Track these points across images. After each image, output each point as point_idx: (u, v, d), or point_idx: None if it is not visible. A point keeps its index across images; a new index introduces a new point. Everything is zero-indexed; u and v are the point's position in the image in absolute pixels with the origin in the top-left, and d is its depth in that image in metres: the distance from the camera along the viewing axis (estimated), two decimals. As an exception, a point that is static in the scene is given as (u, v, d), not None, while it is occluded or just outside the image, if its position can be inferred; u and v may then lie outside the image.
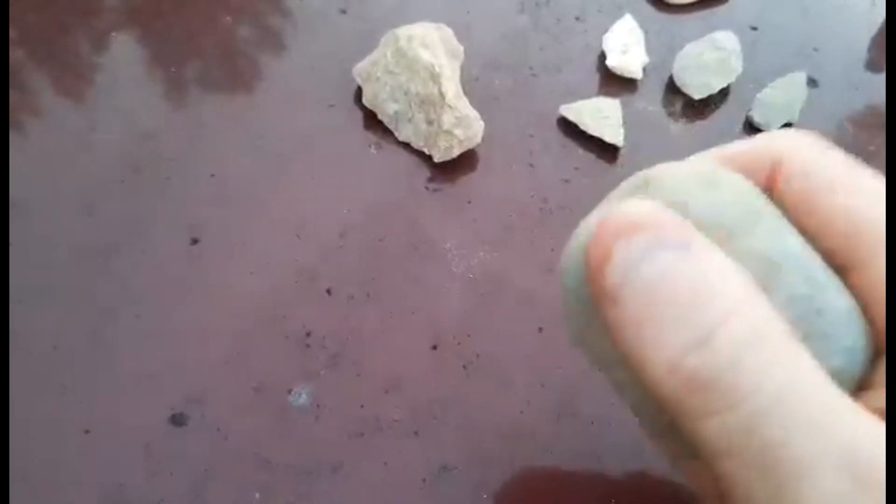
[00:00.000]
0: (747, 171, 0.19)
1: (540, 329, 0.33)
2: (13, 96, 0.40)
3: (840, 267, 0.17)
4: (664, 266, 0.15)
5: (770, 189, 0.19)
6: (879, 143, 0.42)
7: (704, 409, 0.14)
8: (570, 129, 0.40)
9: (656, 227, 0.15)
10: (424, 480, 0.30)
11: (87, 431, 0.30)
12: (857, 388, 0.17)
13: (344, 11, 0.45)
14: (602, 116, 0.40)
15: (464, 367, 0.32)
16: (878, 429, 0.14)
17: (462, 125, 0.37)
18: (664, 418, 0.17)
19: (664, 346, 0.14)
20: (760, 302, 0.15)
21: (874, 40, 0.47)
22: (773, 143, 0.19)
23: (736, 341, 0.14)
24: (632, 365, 0.15)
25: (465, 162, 0.38)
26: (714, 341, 0.14)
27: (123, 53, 0.42)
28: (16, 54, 0.41)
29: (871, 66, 0.46)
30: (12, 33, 0.42)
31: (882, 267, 0.16)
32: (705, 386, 0.14)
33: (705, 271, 0.15)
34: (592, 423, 0.31)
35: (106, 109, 0.40)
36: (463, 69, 0.41)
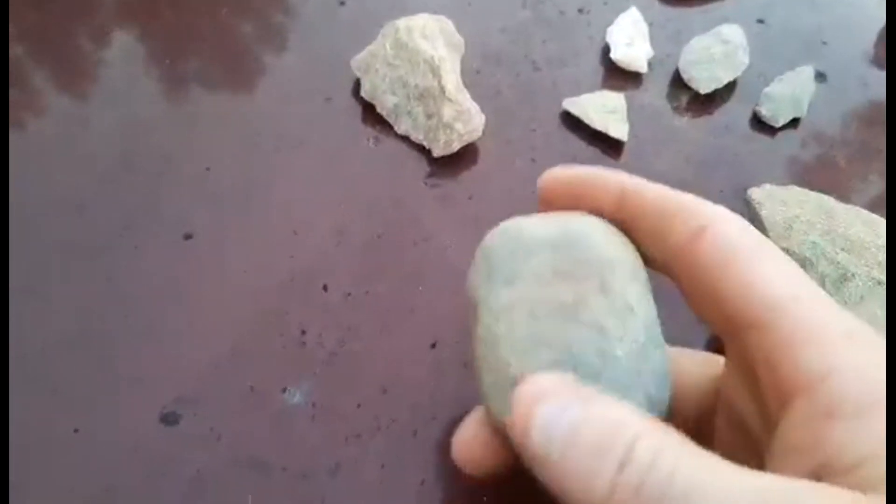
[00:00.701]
0: (595, 193, 0.23)
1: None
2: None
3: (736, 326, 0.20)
4: (579, 416, 0.18)
5: (621, 214, 0.23)
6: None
7: None
8: (573, 123, 0.39)
9: (563, 390, 0.19)
10: (423, 482, 0.29)
11: (75, 431, 0.29)
12: None
13: (343, 3, 0.44)
14: (606, 111, 0.39)
15: (464, 365, 0.31)
16: (765, 480, 0.17)
17: (462, 119, 0.36)
18: None
19: (600, 474, 0.17)
20: (645, 418, 0.18)
21: (881, 35, 0.46)
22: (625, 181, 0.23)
23: (650, 451, 0.17)
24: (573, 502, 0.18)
25: (466, 157, 0.37)
26: (634, 456, 0.17)
27: (118, 46, 0.41)
28: (14, 50, 0.41)
29: (878, 61, 0.45)
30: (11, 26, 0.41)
31: (783, 331, 0.19)
32: (637, 491, 0.17)
33: (606, 413, 0.18)
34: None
35: (99, 103, 0.39)
36: (464, 62, 0.40)
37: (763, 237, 0.21)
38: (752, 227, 0.21)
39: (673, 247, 0.21)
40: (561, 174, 0.24)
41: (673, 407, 0.22)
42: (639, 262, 0.22)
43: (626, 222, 0.23)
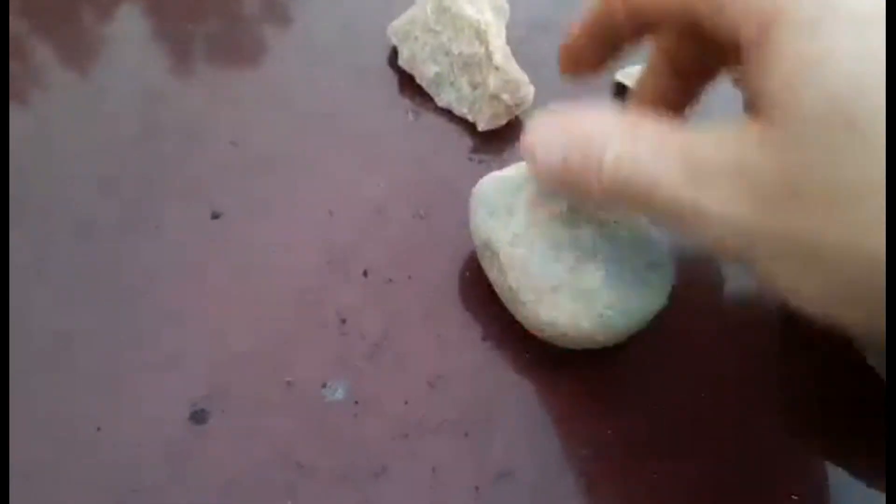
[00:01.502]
0: None
1: (601, 317, 0.30)
2: (15, 63, 0.36)
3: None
4: (562, 144, 0.23)
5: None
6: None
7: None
8: (626, 95, 0.36)
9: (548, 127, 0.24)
10: (477, 488, 0.26)
11: (98, 429, 0.27)
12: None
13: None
14: (663, 82, 0.36)
15: (526, 353, 0.29)
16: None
17: (510, 89, 0.34)
18: None
19: (590, 182, 0.23)
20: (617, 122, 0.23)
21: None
22: None
23: (614, 158, 0.22)
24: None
25: (513, 131, 0.35)
26: (603, 165, 0.22)
27: (134, 11, 0.38)
28: (21, 21, 0.38)
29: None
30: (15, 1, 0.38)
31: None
32: (619, 192, 0.22)
33: (582, 132, 0.23)
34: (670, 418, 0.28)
35: (117, 72, 0.36)
36: (508, 29, 0.37)
37: None
38: None
39: None
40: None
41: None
42: None
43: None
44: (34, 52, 0.37)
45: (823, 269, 0.19)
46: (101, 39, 0.37)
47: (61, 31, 0.38)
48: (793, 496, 0.27)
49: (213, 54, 0.37)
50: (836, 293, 0.19)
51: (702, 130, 0.21)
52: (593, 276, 0.26)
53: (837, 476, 0.28)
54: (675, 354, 0.29)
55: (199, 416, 0.27)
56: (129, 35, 0.38)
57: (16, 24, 0.38)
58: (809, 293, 0.20)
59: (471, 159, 0.34)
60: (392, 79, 0.36)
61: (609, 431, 0.28)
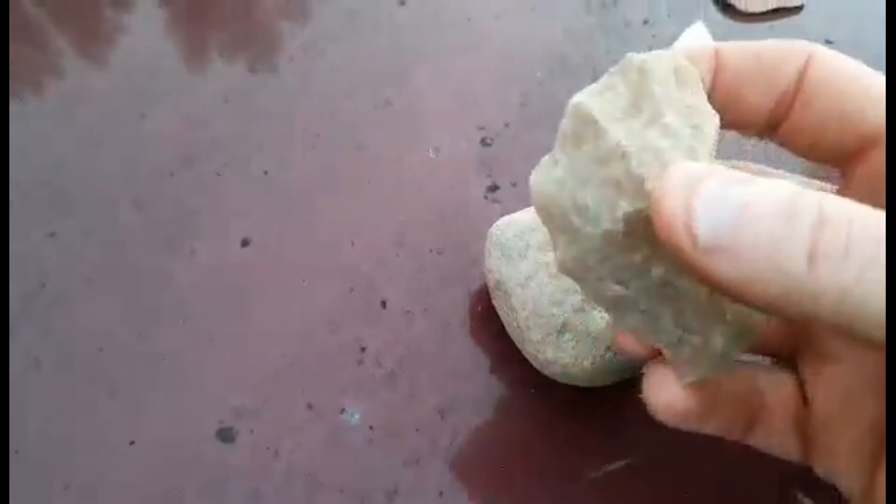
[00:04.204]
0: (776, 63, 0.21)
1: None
2: (42, 59, 0.38)
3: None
4: (748, 191, 0.15)
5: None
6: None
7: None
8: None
9: (715, 170, 0.16)
10: (481, 513, 0.28)
11: (132, 443, 0.29)
12: None
13: (403, 2, 0.43)
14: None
15: (532, 389, 0.31)
16: None
17: (527, 133, 0.36)
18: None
19: (793, 241, 0.15)
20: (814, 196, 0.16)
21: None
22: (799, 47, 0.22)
23: (840, 208, 0.15)
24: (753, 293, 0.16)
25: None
26: (827, 215, 0.15)
27: (173, 37, 0.40)
28: (35, 13, 0.40)
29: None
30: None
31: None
32: (847, 251, 0.15)
33: (776, 184, 0.15)
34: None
35: (156, 96, 0.38)
36: (526, 70, 0.39)
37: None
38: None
39: (784, 83, 0.21)
40: None
41: None
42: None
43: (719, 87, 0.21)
44: (68, 58, 0.39)
45: None
46: (138, 49, 0.39)
47: (86, 30, 0.40)
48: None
49: (251, 81, 0.39)
50: None
51: None
52: (598, 319, 0.28)
53: None
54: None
55: (225, 434, 0.29)
56: (171, 50, 0.39)
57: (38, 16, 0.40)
58: None
59: (486, 198, 0.36)
60: (414, 113, 0.38)
61: (603, 466, 0.30)
